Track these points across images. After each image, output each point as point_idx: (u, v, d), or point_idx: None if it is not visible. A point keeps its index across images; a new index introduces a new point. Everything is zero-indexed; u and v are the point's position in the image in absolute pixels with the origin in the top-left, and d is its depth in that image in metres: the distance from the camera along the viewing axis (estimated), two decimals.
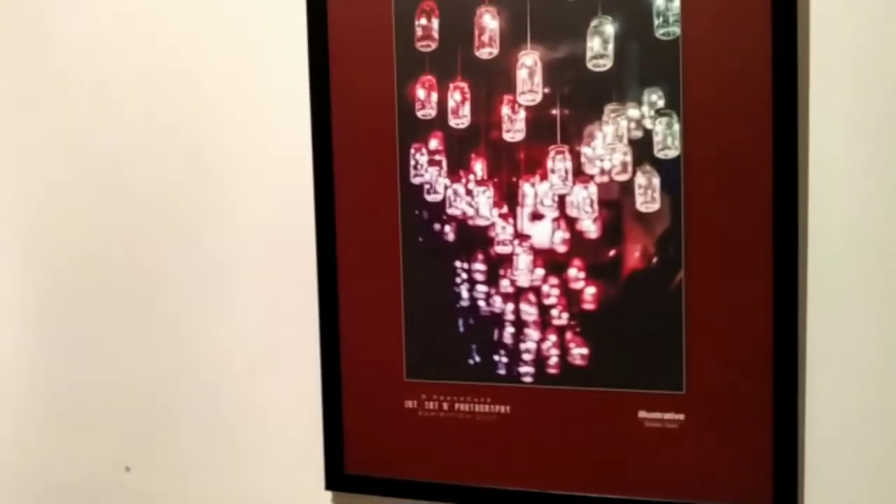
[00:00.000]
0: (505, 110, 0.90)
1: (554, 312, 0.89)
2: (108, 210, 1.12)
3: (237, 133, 1.04)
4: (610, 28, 0.86)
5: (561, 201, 0.89)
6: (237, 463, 1.07)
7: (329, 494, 1.01)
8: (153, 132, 1.09)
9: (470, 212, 0.92)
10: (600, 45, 0.87)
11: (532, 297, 0.90)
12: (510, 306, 0.91)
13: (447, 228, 0.93)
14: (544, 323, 0.90)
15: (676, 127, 0.84)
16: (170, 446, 1.11)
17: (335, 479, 0.99)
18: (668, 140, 0.85)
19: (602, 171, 0.87)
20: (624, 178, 0.86)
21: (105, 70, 1.12)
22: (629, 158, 0.86)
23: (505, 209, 0.91)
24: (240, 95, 1.04)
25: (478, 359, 0.92)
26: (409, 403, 0.95)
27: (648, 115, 0.85)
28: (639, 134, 0.86)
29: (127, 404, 1.13)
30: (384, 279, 0.95)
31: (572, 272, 0.88)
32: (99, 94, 1.12)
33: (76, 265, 1.15)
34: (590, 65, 0.87)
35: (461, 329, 0.93)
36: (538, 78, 0.89)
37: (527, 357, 0.91)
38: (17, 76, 1.17)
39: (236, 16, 1.04)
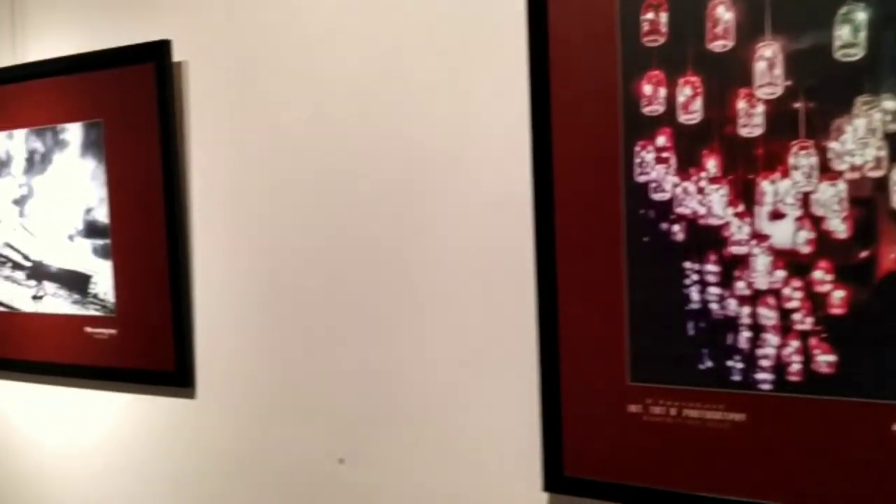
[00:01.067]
0: (741, 104, 0.86)
1: (796, 317, 0.85)
2: (330, 209, 1.17)
3: (454, 133, 1.06)
4: (862, 15, 0.81)
5: (805, 199, 0.84)
6: (452, 460, 1.08)
7: (546, 496, 1.01)
8: (370, 134, 1.12)
9: (701, 210, 0.89)
10: (850, 33, 0.81)
11: (771, 300, 0.86)
12: (746, 309, 0.87)
13: (675, 228, 0.90)
14: (785, 328, 0.85)
15: None
16: (385, 441, 1.14)
17: (554, 481, 0.98)
18: None
19: (853, 168, 0.82)
20: (878, 174, 0.81)
21: (322, 76, 1.16)
22: (884, 153, 0.80)
23: (741, 208, 0.87)
24: (457, 96, 1.05)
25: (709, 363, 0.89)
26: (633, 407, 0.93)
27: None
28: (895, 127, 0.80)
29: (344, 397, 1.17)
30: (606, 279, 0.93)
31: (818, 274, 0.83)
32: (318, 98, 1.17)
33: (297, 261, 1.20)
34: (838, 55, 0.82)
35: (691, 332, 0.89)
36: (778, 70, 0.84)
37: (765, 363, 0.86)
38: (239, 86, 1.24)
39: (453, 17, 1.05)
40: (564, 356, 0.96)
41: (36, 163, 1.44)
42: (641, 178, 0.91)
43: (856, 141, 0.82)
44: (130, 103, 1.32)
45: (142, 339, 1.34)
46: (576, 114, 0.94)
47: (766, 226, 0.86)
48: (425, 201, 1.09)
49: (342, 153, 1.15)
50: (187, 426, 1.33)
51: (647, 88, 0.91)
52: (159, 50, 1.28)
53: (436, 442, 1.10)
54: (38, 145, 1.43)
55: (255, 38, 1.23)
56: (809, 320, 0.84)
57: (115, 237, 1.36)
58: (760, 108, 0.85)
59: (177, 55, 1.29)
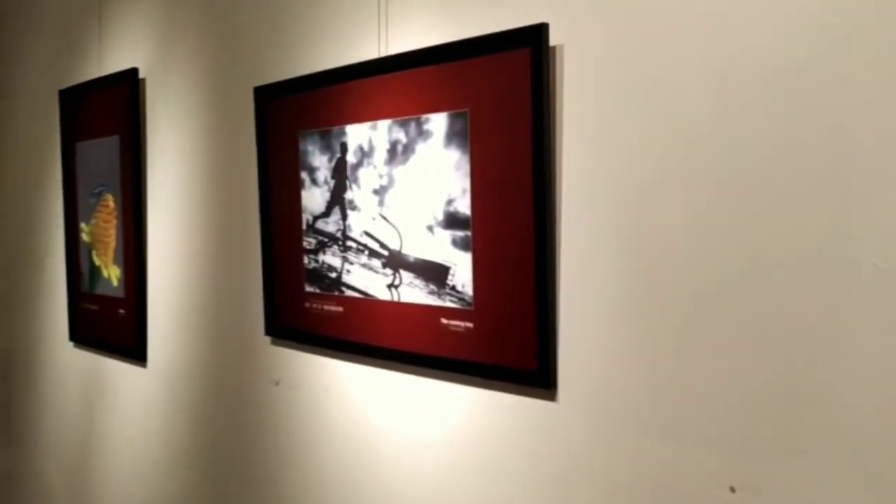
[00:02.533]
0: None
1: None
2: (730, 209, 1.04)
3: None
4: None
5: None
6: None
7: None
8: (793, 127, 0.98)
9: None
10: None
11: None
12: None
13: None
14: None
15: None
16: (793, 473, 0.99)
17: None
18: None
19: None
20: None
21: (729, 60, 1.03)
22: None
23: None
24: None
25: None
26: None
27: None
28: None
29: (741, 416, 1.03)
30: None
31: None
32: (721, 85, 1.04)
33: (681, 264, 1.09)
34: None
35: None
36: None
37: None
38: (621, 72, 1.15)
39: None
40: None
41: (398, 153, 1.46)
42: None
43: None
44: (499, 92, 1.28)
45: (501, 334, 1.30)
46: None
47: None
48: (864, 206, 0.92)
49: (752, 149, 1.01)
50: (544, 430, 1.27)
51: None
52: (536, 34, 1.22)
53: (864, 481, 0.93)
54: (401, 136, 1.45)
55: (644, 16, 1.12)
56: None
57: (476, 229, 1.33)
58: None
59: (551, 39, 1.23)
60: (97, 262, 2.41)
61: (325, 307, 1.64)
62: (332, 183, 1.61)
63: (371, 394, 1.57)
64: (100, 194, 2.38)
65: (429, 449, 1.46)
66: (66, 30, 2.62)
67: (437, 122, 1.38)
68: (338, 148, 1.59)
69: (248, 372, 1.88)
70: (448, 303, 1.38)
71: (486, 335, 1.33)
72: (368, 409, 1.58)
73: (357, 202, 1.56)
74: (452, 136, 1.36)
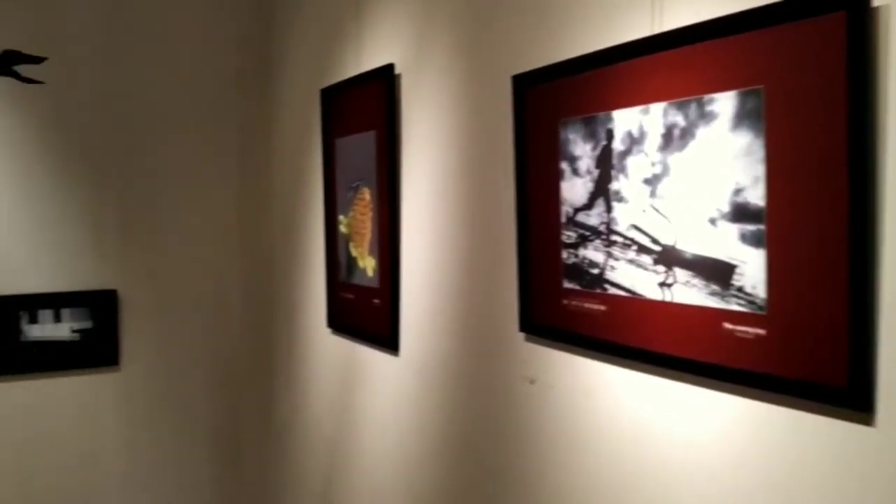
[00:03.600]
0: None
1: None
2: None
3: None
4: None
5: None
6: None
7: None
8: None
9: None
10: None
11: None
12: None
13: None
14: None
15: None
16: None
17: None
18: None
19: None
20: None
21: None
22: None
23: None
24: None
25: None
26: None
27: None
28: None
29: None
30: None
31: None
32: None
33: None
34: None
35: None
36: None
37: None
38: None
39: None
40: None
41: (674, 138, 1.33)
42: None
43: None
44: (803, 65, 1.11)
45: (800, 344, 1.13)
46: None
47: None
48: None
49: None
50: (856, 460, 1.08)
51: None
52: None
53: None
54: (679, 119, 1.32)
55: None
56: None
57: (772, 223, 1.17)
58: None
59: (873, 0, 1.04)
60: (354, 252, 2.51)
61: (586, 305, 1.55)
62: (595, 173, 1.51)
63: (637, 399, 1.46)
64: (357, 188, 2.47)
65: (703, 466, 1.31)
66: (326, 30, 2.76)
67: (724, 103, 1.24)
68: (603, 135, 1.49)
69: (500, 368, 1.84)
70: (733, 305, 1.23)
71: (782, 344, 1.16)
72: (634, 416, 1.46)
73: (624, 193, 1.45)
74: (742, 118, 1.21)
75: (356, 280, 2.50)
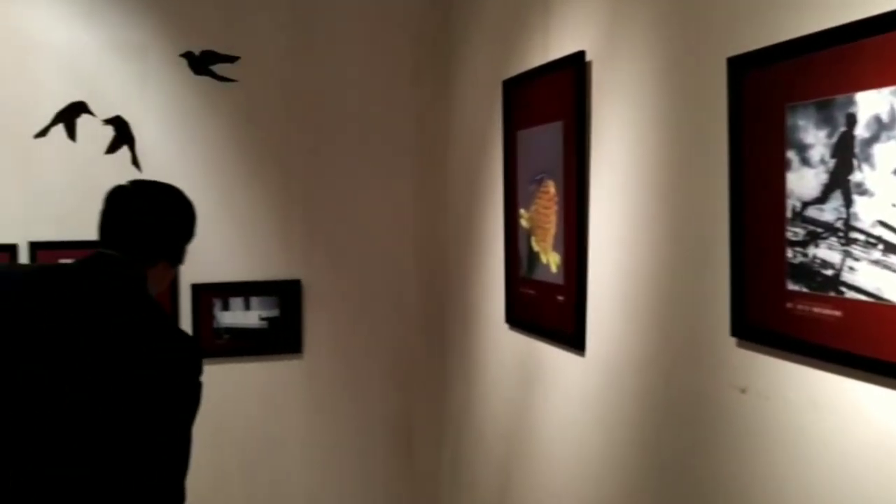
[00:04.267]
0: None
1: None
2: None
3: None
4: None
5: None
6: None
7: None
8: None
9: None
10: None
11: None
12: None
13: None
14: None
15: None
16: None
17: None
18: None
19: None
20: None
21: None
22: None
23: None
24: None
25: None
26: None
27: None
28: None
29: None
30: None
31: None
32: None
33: None
34: None
35: None
36: None
37: None
38: None
39: None
40: None
41: None
42: None
43: None
44: None
45: None
46: None
47: None
48: None
49: None
50: None
51: None
52: None
53: None
54: None
55: None
56: None
57: None
58: None
59: None
60: (536, 247, 2.44)
61: (816, 310, 1.40)
62: (831, 163, 1.36)
63: (879, 415, 1.29)
64: (540, 181, 2.40)
65: None
66: (508, 20, 2.70)
67: None
68: (842, 121, 1.33)
69: (706, 374, 1.71)
70: None
71: None
72: (874, 433, 1.30)
73: (868, 185, 1.28)
74: None
75: (538, 275, 2.43)
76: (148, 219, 1.78)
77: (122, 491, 1.52)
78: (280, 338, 3.13)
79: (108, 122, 3.00)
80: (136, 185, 1.84)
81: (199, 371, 1.64)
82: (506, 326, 2.68)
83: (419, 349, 3.32)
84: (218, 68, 3.11)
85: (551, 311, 2.35)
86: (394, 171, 3.27)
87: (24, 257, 2.88)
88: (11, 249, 2.87)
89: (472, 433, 2.99)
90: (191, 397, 1.61)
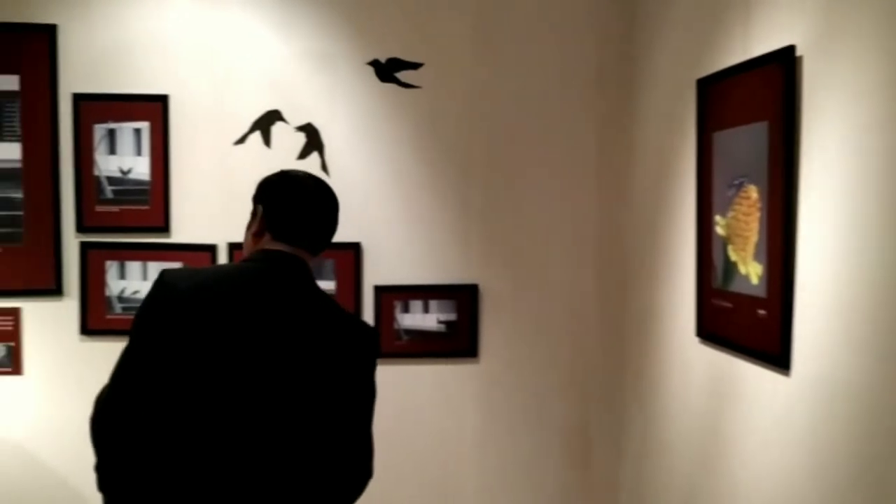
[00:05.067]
0: None
1: None
2: None
3: None
4: None
5: None
6: None
7: None
8: None
9: None
10: None
11: None
12: None
13: None
14: None
15: None
16: None
17: None
18: None
19: None
20: None
21: None
22: None
23: None
24: None
25: None
26: None
27: None
28: None
29: None
30: None
31: None
32: None
33: None
34: None
35: None
36: None
37: None
38: None
39: None
40: None
41: None
42: None
43: None
44: None
45: None
46: None
47: None
48: None
49: None
50: None
51: None
52: None
53: None
54: None
55: None
56: None
57: None
58: None
59: None
60: (733, 257, 2.29)
61: None
62: None
63: None
64: (740, 185, 2.25)
65: None
66: (703, 17, 2.55)
67: None
68: None
69: None
70: None
71: None
72: None
73: None
74: None
75: (735, 287, 2.27)
76: (333, 216, 1.90)
77: (333, 445, 1.76)
78: (457, 341, 3.14)
79: (300, 129, 3.15)
80: (316, 182, 1.89)
81: (377, 336, 1.95)
82: (696, 340, 2.53)
83: (598, 358, 3.22)
84: (402, 75, 3.17)
85: (751, 325, 2.18)
86: (575, 176, 3.19)
87: (223, 257, 3.07)
88: (212, 249, 3.07)
89: (656, 448, 2.86)
90: (373, 360, 1.85)
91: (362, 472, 1.81)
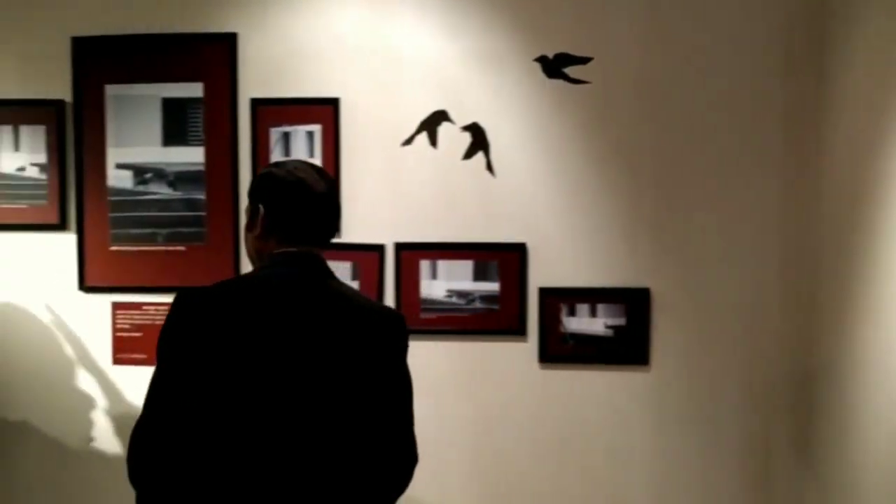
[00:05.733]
0: None
1: None
2: None
3: None
4: None
5: None
6: None
7: None
8: None
9: None
10: None
11: None
12: None
13: None
14: None
15: None
16: None
17: None
18: None
19: None
20: None
21: None
22: None
23: None
24: None
25: None
26: None
27: None
28: None
29: None
30: None
31: None
32: None
33: None
34: None
35: None
36: None
37: None
38: None
39: None
40: None
41: None
42: None
43: None
44: None
45: None
46: None
47: None
48: None
49: None
50: None
51: None
52: None
53: None
54: None
55: None
56: None
57: None
58: None
59: None
60: None
61: None
62: None
63: None
64: None
65: None
66: None
67: None
68: None
69: None
70: None
71: None
72: None
73: None
74: None
75: None
76: (336, 208, 1.87)
77: (371, 435, 1.73)
78: (626, 347, 3.01)
79: (465, 128, 3.11)
80: (315, 177, 1.82)
81: (402, 320, 1.84)
82: None
83: (780, 369, 2.98)
84: (570, 71, 3.07)
85: None
86: (756, 171, 2.97)
87: (389, 257, 3.09)
88: (380, 249, 3.10)
89: (848, 470, 2.59)
90: (402, 345, 1.82)
91: (406, 459, 1.77)
